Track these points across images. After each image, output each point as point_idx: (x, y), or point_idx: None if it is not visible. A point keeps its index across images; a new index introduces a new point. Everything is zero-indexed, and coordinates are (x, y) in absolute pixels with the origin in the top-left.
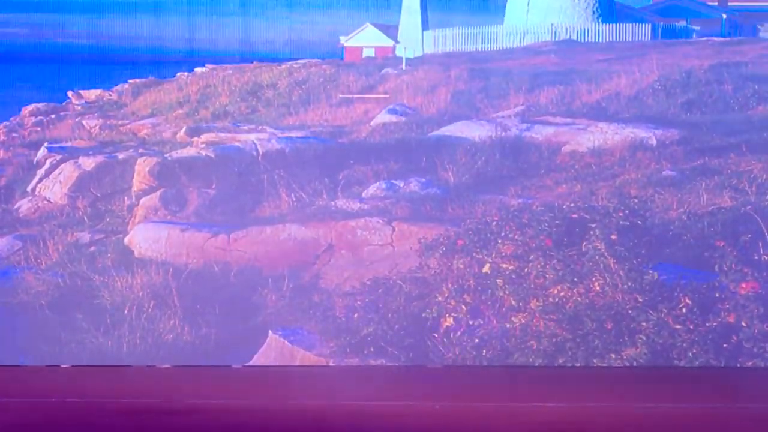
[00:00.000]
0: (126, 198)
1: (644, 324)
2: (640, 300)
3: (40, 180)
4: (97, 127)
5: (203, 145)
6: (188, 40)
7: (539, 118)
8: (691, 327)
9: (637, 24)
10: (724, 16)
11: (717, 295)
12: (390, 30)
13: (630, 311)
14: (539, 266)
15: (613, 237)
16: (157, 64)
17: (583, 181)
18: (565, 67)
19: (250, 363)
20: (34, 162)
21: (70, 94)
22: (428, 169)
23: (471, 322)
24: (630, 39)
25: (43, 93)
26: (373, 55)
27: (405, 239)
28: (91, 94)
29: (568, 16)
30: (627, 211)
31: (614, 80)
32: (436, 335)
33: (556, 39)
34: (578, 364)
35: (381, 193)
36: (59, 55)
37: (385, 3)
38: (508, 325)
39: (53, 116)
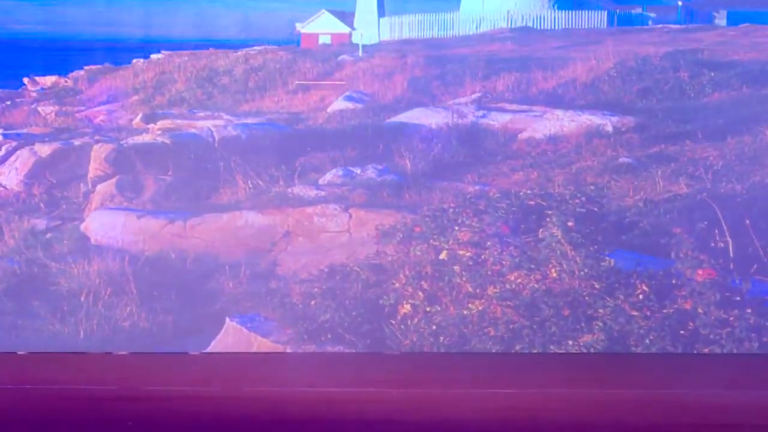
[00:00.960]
0: (82, 185)
1: (601, 311)
2: (597, 287)
3: None
4: (53, 113)
5: (159, 132)
6: (144, 26)
7: (496, 105)
8: (648, 314)
9: (594, 11)
10: (680, 3)
11: (673, 281)
12: (346, 17)
13: (587, 298)
14: (496, 253)
15: (570, 224)
16: (113, 50)
17: (539, 168)
18: (521, 54)
19: (208, 350)
20: None
21: (25, 80)
22: (385, 156)
23: (428, 309)
24: (586, 26)
25: None
26: (329, 41)
27: (362, 226)
28: (47, 80)
29: (525, 3)
30: (583, 198)
31: (570, 67)
32: (393, 322)
33: (513, 26)
34: (535, 351)
35: (338, 180)
36: (15, 42)
37: None
38: (465, 312)
39: (8, 103)
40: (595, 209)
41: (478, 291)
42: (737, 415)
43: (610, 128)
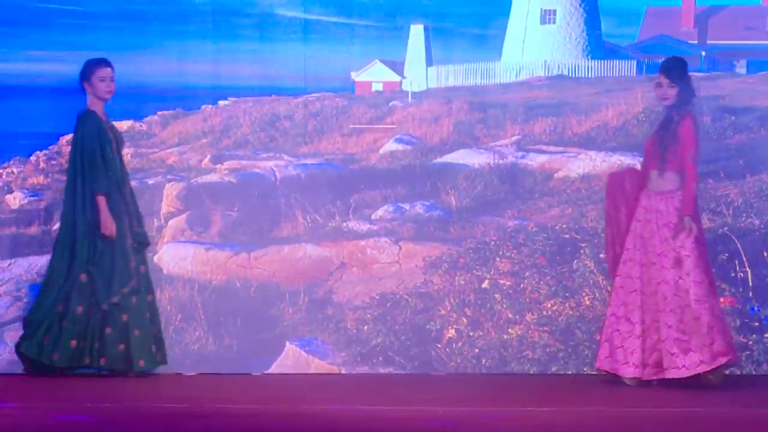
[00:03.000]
0: (155, 220)
1: None
2: None
3: None
4: (129, 155)
5: (226, 172)
6: (212, 75)
7: (533, 147)
8: None
9: (624, 60)
10: (703, 53)
11: None
12: (397, 66)
13: None
14: (534, 282)
15: (602, 255)
16: (184, 97)
17: (574, 204)
18: (557, 99)
19: (269, 371)
20: None
21: None
22: (432, 193)
23: (471, 334)
24: (617, 74)
25: None
26: (381, 89)
27: (411, 257)
28: (124, 125)
29: (561, 53)
30: None
31: (602, 112)
32: (439, 345)
33: (549, 74)
34: (570, 372)
35: (389, 215)
36: None
37: (393, 41)
38: (505, 336)
39: None
40: None
41: (517, 317)
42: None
43: (639, 168)
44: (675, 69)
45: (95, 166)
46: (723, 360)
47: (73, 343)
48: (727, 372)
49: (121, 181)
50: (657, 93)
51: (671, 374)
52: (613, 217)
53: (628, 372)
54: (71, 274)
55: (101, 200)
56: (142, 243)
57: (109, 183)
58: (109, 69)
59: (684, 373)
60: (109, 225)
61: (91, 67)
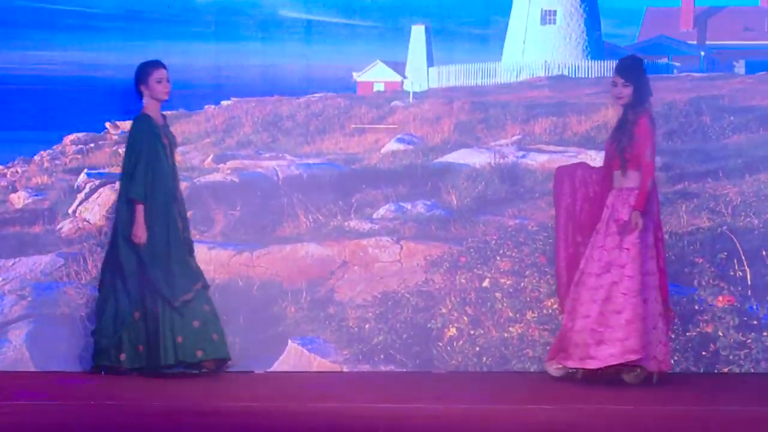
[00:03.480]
0: None
1: None
2: None
3: (81, 203)
4: None
5: (229, 171)
6: (215, 76)
7: (534, 147)
8: (673, 336)
9: None
10: (703, 53)
11: (696, 307)
12: (398, 66)
13: None
14: (534, 281)
15: None
16: (187, 97)
17: None
18: (557, 100)
19: (272, 369)
20: (75, 186)
21: (107, 124)
22: (433, 192)
23: (472, 332)
24: None
25: (83, 123)
26: (383, 89)
27: (412, 256)
28: (127, 124)
29: (561, 53)
30: None
31: (602, 112)
32: (440, 344)
33: (550, 74)
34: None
35: (390, 214)
36: (98, 89)
37: (394, 42)
38: (506, 335)
39: (92, 145)
40: None
41: (517, 316)
42: (756, 429)
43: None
44: (629, 69)
45: (137, 172)
46: (632, 357)
47: (153, 340)
48: (654, 375)
49: (174, 185)
50: (612, 92)
51: (587, 365)
52: (570, 209)
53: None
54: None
55: (138, 208)
56: (190, 249)
57: (155, 189)
58: (164, 70)
59: (596, 365)
60: (140, 234)
61: (147, 69)
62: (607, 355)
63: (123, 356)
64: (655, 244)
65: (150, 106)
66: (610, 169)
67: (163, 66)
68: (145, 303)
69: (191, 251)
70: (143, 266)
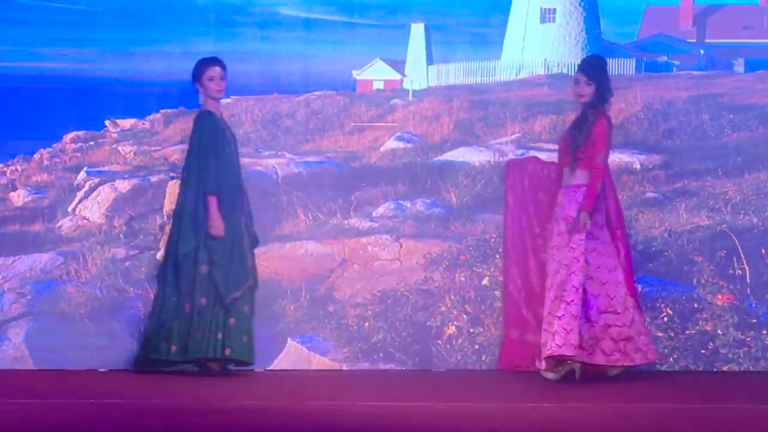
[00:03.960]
0: (158, 217)
1: None
2: None
3: (80, 201)
4: (132, 152)
5: None
6: None
7: (534, 145)
8: (672, 335)
9: (623, 59)
10: (702, 52)
11: (695, 305)
12: (398, 65)
13: None
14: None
15: None
16: (187, 95)
17: None
18: (557, 98)
19: (271, 367)
20: (75, 185)
21: (107, 122)
22: (433, 190)
23: (471, 330)
24: (616, 73)
25: (83, 122)
26: (382, 87)
27: (411, 254)
28: (127, 122)
29: (560, 51)
30: None
31: None
32: (439, 342)
33: (549, 72)
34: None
35: (390, 212)
36: (98, 88)
37: (394, 40)
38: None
39: (92, 143)
40: None
41: None
42: (754, 426)
43: (638, 165)
44: (593, 67)
45: (208, 166)
46: (546, 351)
47: (198, 333)
48: (575, 371)
49: (239, 179)
50: (574, 90)
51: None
52: (521, 201)
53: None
54: (190, 270)
55: (211, 200)
56: (255, 243)
57: (220, 183)
58: (218, 68)
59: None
60: (217, 225)
61: (200, 66)
62: (544, 344)
63: (174, 348)
64: (614, 240)
65: (208, 103)
66: (560, 165)
67: (218, 64)
68: (194, 295)
69: (253, 245)
70: (201, 259)
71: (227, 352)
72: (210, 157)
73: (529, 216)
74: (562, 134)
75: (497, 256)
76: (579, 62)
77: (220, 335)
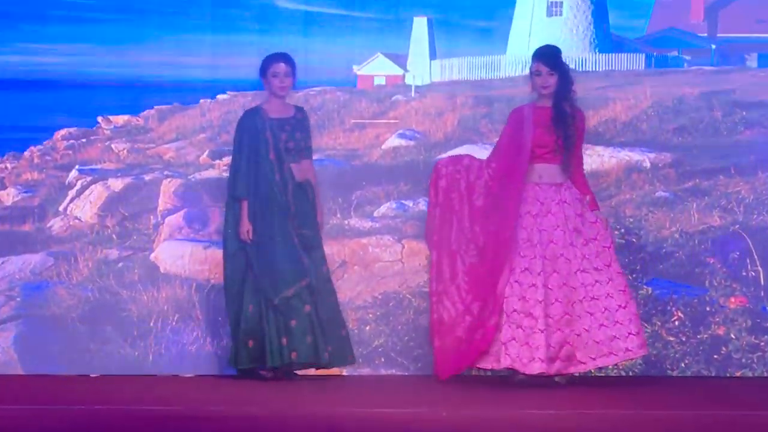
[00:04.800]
0: (152, 217)
1: None
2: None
3: (72, 200)
4: (125, 150)
5: (224, 167)
6: (210, 68)
7: None
8: (683, 339)
9: (632, 54)
10: (713, 46)
11: (707, 308)
12: (400, 59)
13: None
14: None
15: None
16: (182, 91)
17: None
18: None
19: None
20: (66, 183)
21: (99, 119)
22: None
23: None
24: (625, 68)
25: (75, 118)
26: (384, 83)
27: (414, 256)
28: (120, 119)
29: (567, 46)
30: (622, 230)
31: (610, 107)
32: None
33: None
34: (576, 374)
35: (391, 212)
36: (90, 83)
37: (395, 34)
38: None
39: (84, 140)
40: (634, 240)
41: None
42: None
43: (647, 164)
44: (553, 56)
45: (240, 168)
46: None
47: (250, 343)
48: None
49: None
50: (538, 82)
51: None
52: (460, 203)
53: (534, 368)
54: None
55: (241, 204)
56: (307, 245)
57: (250, 186)
58: (282, 64)
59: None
60: (244, 228)
61: (266, 62)
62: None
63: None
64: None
65: (270, 99)
66: (532, 161)
67: (284, 60)
68: (244, 299)
69: (306, 247)
70: (249, 262)
71: (293, 356)
72: (242, 160)
73: (460, 217)
74: (521, 131)
75: None
76: (536, 54)
77: (284, 340)
